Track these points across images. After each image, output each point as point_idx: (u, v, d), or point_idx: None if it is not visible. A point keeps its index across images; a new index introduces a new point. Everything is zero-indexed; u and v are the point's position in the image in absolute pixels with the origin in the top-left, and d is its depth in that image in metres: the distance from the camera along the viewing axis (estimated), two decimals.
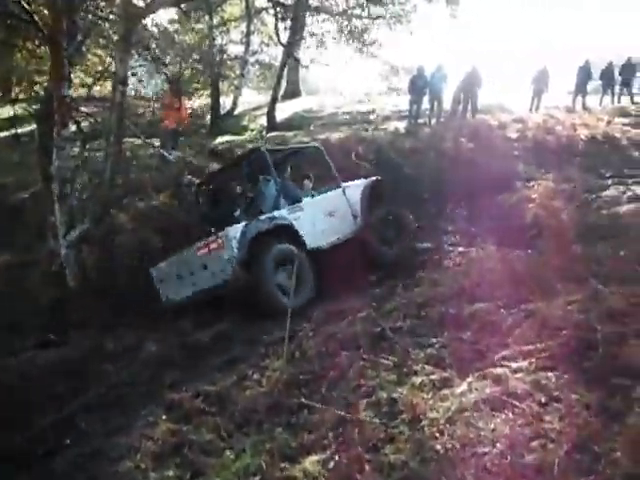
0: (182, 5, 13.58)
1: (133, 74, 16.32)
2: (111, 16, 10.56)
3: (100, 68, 14.17)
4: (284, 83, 20.94)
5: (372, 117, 16.94)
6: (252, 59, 20.97)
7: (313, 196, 7.61)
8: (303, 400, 3.66)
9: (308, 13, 20.12)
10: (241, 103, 20.50)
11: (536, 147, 12.01)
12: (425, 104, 15.21)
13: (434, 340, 4.04)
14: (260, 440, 3.32)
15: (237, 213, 6.96)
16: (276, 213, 6.67)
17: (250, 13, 18.93)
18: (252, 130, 17.29)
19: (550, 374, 3.13)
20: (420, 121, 15.09)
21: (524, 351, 3.46)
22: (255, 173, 7.08)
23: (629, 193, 8.61)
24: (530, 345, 3.54)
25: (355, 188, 7.91)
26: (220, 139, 14.66)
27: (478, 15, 53.97)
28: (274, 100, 17.33)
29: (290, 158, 8.12)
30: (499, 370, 3.27)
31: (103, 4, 10.51)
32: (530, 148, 11.99)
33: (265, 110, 17.71)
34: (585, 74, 16.11)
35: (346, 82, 29.35)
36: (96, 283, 7.51)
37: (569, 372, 3.15)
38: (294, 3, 18.15)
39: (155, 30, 16.28)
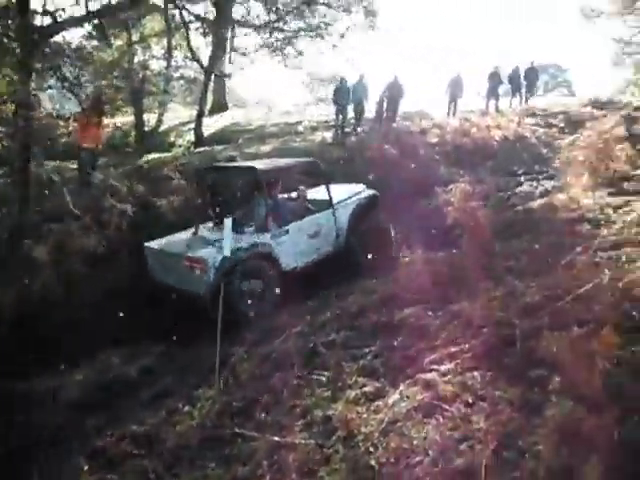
0: (95, 21, 13.07)
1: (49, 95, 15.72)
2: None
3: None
4: (210, 97, 20.70)
5: (300, 128, 17.05)
6: (176, 74, 20.55)
7: (308, 210, 7.72)
8: (236, 430, 3.56)
9: (230, 27, 20.01)
10: (167, 119, 20.09)
11: (455, 150, 12.61)
12: (350, 113, 15.48)
13: (367, 350, 4.07)
14: (192, 479, 3.20)
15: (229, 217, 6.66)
16: (260, 238, 6.86)
17: (170, 28, 18.58)
18: (179, 146, 16.96)
19: (475, 374, 3.25)
20: (346, 130, 15.34)
21: (451, 353, 3.57)
22: (248, 190, 7.34)
23: (540, 188, 9.22)
24: (456, 346, 3.64)
25: (345, 207, 8.00)
26: (146, 157, 14.26)
27: (397, 24, 55.47)
28: (200, 115, 17.08)
29: (285, 173, 8.12)
30: (428, 375, 3.35)
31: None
32: (449, 152, 12.58)
33: (192, 125, 17.42)
34: (496, 79, 17.09)
35: (273, 94, 29.43)
36: (12, 325, 6.86)
37: (492, 370, 3.28)
38: (215, 17, 18.02)
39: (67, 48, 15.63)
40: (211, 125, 18.58)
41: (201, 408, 3.94)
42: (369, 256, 7.48)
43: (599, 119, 11.38)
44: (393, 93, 15.15)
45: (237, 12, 21.38)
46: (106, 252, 7.99)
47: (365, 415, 3.17)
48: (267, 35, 21.53)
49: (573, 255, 4.60)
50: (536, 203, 7.85)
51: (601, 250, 4.86)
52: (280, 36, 21.87)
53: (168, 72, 19.38)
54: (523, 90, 17.75)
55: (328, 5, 22.54)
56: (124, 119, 19.00)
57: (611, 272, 3.87)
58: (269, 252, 6.84)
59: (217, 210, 7.60)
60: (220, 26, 18.25)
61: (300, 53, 23.15)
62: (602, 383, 2.83)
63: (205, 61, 17.91)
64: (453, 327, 4.00)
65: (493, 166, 11.30)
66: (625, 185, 7.44)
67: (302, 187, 8.16)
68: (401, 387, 3.34)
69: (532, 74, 17.90)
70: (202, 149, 15.28)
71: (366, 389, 3.49)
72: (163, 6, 17.89)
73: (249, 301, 6.48)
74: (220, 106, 22.23)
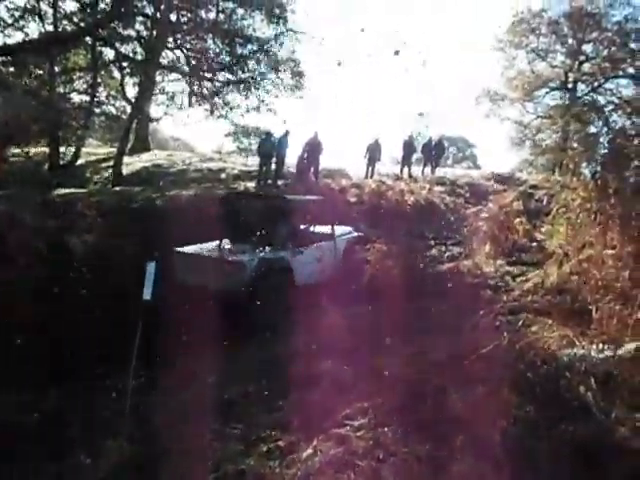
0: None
1: None
2: None
3: None
4: (132, 136, 20.38)
5: (223, 176, 17.13)
6: (98, 110, 20.11)
7: (316, 238, 9.30)
8: None
9: (159, 71, 20.07)
10: (85, 154, 19.43)
11: (371, 210, 13.17)
12: (273, 166, 15.85)
13: (281, 403, 4.10)
14: None
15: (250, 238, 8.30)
16: (282, 253, 8.36)
17: (96, 64, 18.32)
18: (95, 183, 16.42)
19: (387, 429, 3.38)
20: (269, 182, 15.64)
21: (364, 408, 3.69)
22: (275, 215, 8.62)
23: (448, 253, 9.87)
24: (369, 401, 3.77)
25: (342, 241, 9.61)
26: (59, 191, 13.65)
27: (321, 84, 58.40)
28: (121, 153, 16.77)
29: (302, 206, 9.89)
30: (342, 430, 3.44)
31: None
32: (366, 211, 13.12)
33: (111, 163, 16.98)
34: (410, 147, 18.30)
35: (197, 139, 29.45)
36: None
37: (403, 425, 3.42)
38: (143, 60, 18.03)
39: None
40: (131, 164, 18.17)
41: (106, 461, 3.73)
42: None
43: (500, 193, 12.44)
44: (313, 149, 15.76)
45: (166, 57, 21.61)
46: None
47: (278, 469, 3.18)
48: (196, 83, 21.82)
49: (477, 318, 4.95)
50: (444, 267, 8.37)
51: (501, 315, 5.27)
52: (208, 85, 22.25)
53: (90, 107, 18.94)
54: (433, 160, 19.08)
55: (257, 62, 23.45)
56: (36, 150, 18.22)
57: (509, 335, 4.22)
58: (287, 265, 8.23)
59: (240, 229, 8.81)
60: (148, 69, 18.24)
61: (227, 104, 23.67)
62: (501, 440, 3.06)
63: (131, 101, 17.80)
64: (367, 382, 4.13)
65: (407, 228, 11.91)
66: (523, 256, 8.14)
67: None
68: (315, 442, 3.39)
69: (441, 146, 19.42)
70: (120, 188, 14.89)
71: (280, 443, 3.50)
72: (90, 43, 17.75)
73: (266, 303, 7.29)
74: (142, 146, 21.87)
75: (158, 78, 21.28)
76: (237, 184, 15.56)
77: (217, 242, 8.87)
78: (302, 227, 9.73)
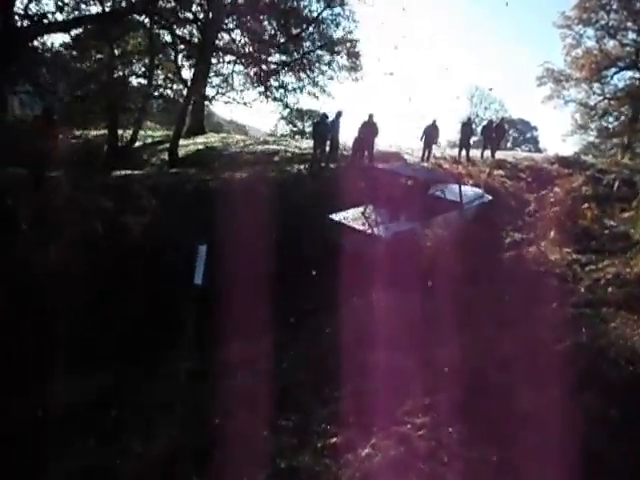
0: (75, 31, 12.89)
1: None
2: None
3: None
4: (188, 119, 20.61)
5: (276, 158, 17.02)
6: (155, 93, 20.42)
7: (445, 209, 10.11)
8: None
9: (214, 53, 20.11)
10: (142, 137, 19.80)
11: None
12: (327, 148, 15.58)
13: (337, 394, 3.90)
14: None
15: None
16: (413, 225, 9.54)
17: (154, 47, 18.54)
18: (152, 165, 16.69)
19: (450, 429, 3.12)
20: (322, 165, 15.40)
21: (425, 405, 3.44)
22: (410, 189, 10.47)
23: (508, 239, 9.33)
24: (430, 397, 3.53)
25: (471, 208, 10.63)
26: (117, 173, 13.94)
27: (377, 65, 57.32)
28: (177, 136, 16.94)
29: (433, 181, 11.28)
30: (403, 428, 3.20)
31: None
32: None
33: (167, 145, 17.21)
34: (468, 129, 17.63)
35: (251, 121, 29.53)
36: None
37: (468, 425, 3.16)
38: (200, 42, 18.09)
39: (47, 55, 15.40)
40: (187, 147, 18.37)
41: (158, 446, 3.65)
42: None
43: (566, 177, 11.71)
44: (368, 132, 15.36)
45: (222, 39, 21.62)
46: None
47: (334, 469, 2.98)
48: (251, 65, 21.76)
49: (547, 309, 4.58)
50: (506, 254, 7.91)
51: (576, 307, 4.87)
52: (264, 67, 22.15)
53: (148, 90, 19.24)
54: (493, 143, 18.28)
55: (312, 42, 23.14)
56: (97, 132, 18.72)
57: (587, 331, 3.86)
58: (417, 234, 9.07)
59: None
60: (204, 51, 18.28)
61: (282, 86, 23.54)
62: (579, 444, 2.77)
63: (187, 83, 17.94)
64: (426, 375, 3.88)
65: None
66: (592, 244, 7.59)
67: (443, 192, 10.63)
68: (373, 439, 3.18)
69: (501, 129, 18.59)
70: (175, 170, 15.06)
71: (335, 439, 3.30)
72: (148, 25, 17.96)
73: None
74: (197, 129, 22.10)
75: (213, 60, 21.32)
76: (290, 166, 15.38)
77: (362, 209, 10.20)
78: (436, 196, 10.54)
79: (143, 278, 7.49)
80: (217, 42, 20.66)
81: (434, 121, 16.78)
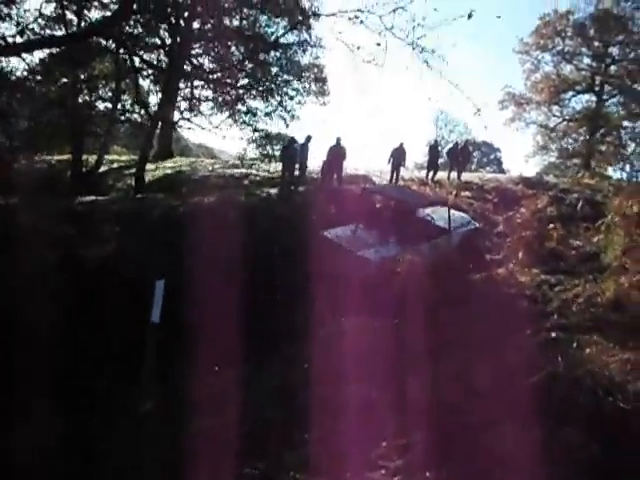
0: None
1: None
2: None
3: None
4: (155, 143, 20.42)
5: (246, 182, 16.97)
6: (122, 117, 20.20)
7: (434, 234, 10.28)
8: None
9: (182, 78, 20.08)
10: (108, 161, 19.50)
11: None
12: (296, 172, 15.63)
13: (307, 436, 3.73)
14: None
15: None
16: (402, 249, 9.54)
17: (120, 72, 18.39)
18: (118, 190, 16.42)
19: (428, 474, 3.01)
20: (291, 188, 15.41)
21: (400, 446, 3.32)
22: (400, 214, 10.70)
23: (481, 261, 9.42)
24: (405, 437, 3.42)
25: (457, 234, 10.67)
26: (81, 199, 13.61)
27: (344, 91, 58.23)
28: (143, 160, 16.72)
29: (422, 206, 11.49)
30: (377, 475, 3.07)
31: None
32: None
33: (133, 170, 16.98)
34: (435, 152, 17.97)
35: (220, 146, 29.44)
36: None
37: (445, 468, 3.06)
38: (167, 67, 18.04)
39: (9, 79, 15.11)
40: (154, 171, 18.17)
41: None
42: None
43: (532, 198, 11.98)
44: (337, 155, 15.49)
45: (190, 64, 21.62)
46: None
47: None
48: (219, 90, 21.79)
49: (521, 335, 4.58)
50: (477, 275, 7.97)
51: (549, 331, 4.87)
52: (232, 92, 22.20)
53: (114, 114, 19.03)
54: (459, 165, 18.63)
55: (280, 68, 23.36)
56: (61, 157, 18.36)
57: (563, 360, 3.83)
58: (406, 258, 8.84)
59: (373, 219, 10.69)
60: (171, 76, 18.24)
61: (250, 110, 23.60)
62: None
63: (154, 108, 17.81)
64: (400, 411, 3.77)
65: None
66: (561, 264, 7.71)
67: (432, 216, 10.82)
68: None
69: (467, 151, 18.99)
70: (142, 195, 14.83)
71: None
72: (114, 50, 17.84)
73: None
74: (165, 153, 21.90)
75: (181, 85, 21.28)
76: (260, 190, 15.35)
77: (353, 227, 10.37)
78: (425, 221, 10.80)
79: (101, 313, 7.24)
80: (185, 67, 20.68)
81: (401, 144, 17.03)
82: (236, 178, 17.78)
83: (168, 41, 20.13)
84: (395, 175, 16.86)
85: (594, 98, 28.89)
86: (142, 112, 21.61)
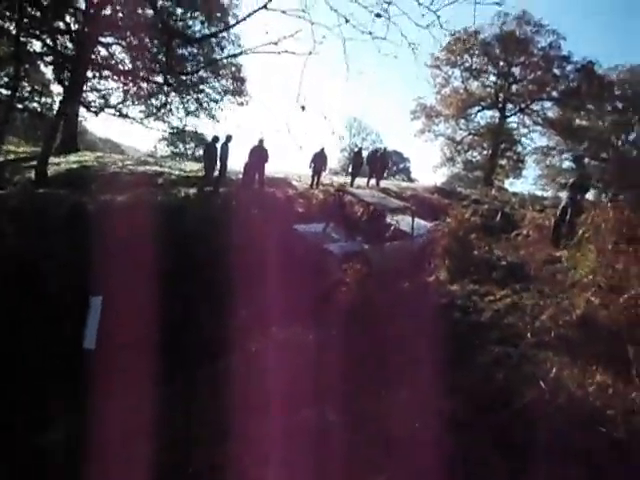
0: None
1: None
2: None
3: None
4: (59, 135, 18.84)
5: (160, 181, 16.09)
6: (20, 106, 18.45)
7: (397, 236, 11.10)
8: None
9: (91, 67, 18.75)
10: (4, 152, 17.70)
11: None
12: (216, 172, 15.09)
13: None
14: None
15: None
16: (365, 246, 10.22)
17: (20, 56, 16.74)
18: (16, 184, 14.92)
19: None
20: (208, 189, 14.84)
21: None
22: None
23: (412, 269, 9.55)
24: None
25: (419, 238, 11.09)
26: None
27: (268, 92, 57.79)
28: (46, 153, 15.32)
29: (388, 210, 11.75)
30: None
31: None
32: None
33: (34, 163, 15.52)
34: (359, 158, 18.27)
35: (129, 141, 27.95)
36: None
37: None
38: (75, 55, 16.73)
39: None
40: (57, 165, 16.73)
41: None
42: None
43: (454, 207, 12.37)
44: (258, 157, 15.16)
45: (99, 53, 20.27)
46: None
47: None
48: (131, 83, 20.62)
49: (469, 351, 4.50)
50: (406, 284, 7.97)
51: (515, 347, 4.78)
52: (145, 85, 21.11)
53: (12, 102, 17.30)
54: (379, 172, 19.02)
55: (197, 64, 22.60)
56: None
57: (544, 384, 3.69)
58: (368, 255, 9.54)
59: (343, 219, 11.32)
60: (78, 64, 16.91)
61: (164, 106, 22.61)
62: None
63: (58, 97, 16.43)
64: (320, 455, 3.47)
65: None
66: (492, 274, 7.90)
67: (396, 219, 11.39)
68: None
69: (385, 158, 19.46)
70: (44, 190, 13.57)
71: None
72: (15, 31, 16.25)
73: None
74: (70, 146, 20.28)
75: (89, 74, 19.87)
76: (177, 190, 14.59)
77: (324, 224, 10.83)
78: (391, 225, 11.32)
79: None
80: (93, 56, 19.33)
81: (322, 149, 17.05)
82: (149, 176, 16.79)
83: (75, 27, 18.78)
84: (317, 179, 16.82)
85: (497, 114, 30.79)
86: (43, 101, 20.02)
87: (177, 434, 4.75)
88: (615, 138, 30.81)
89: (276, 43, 8.32)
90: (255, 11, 8.54)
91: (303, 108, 6.62)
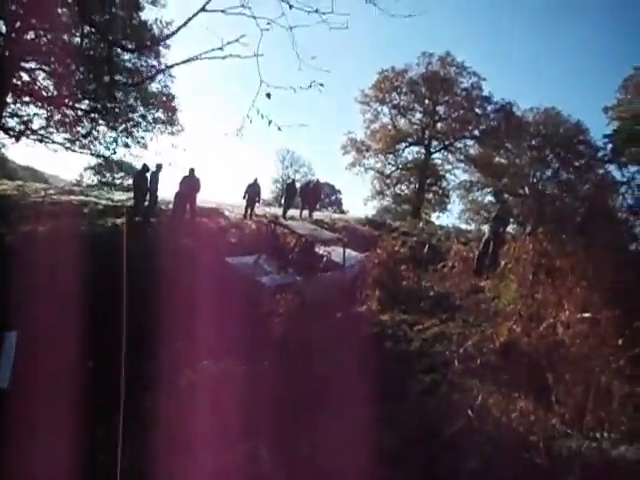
0: None
1: None
2: None
3: None
4: None
5: (85, 210, 15.45)
6: None
7: (329, 267, 11.26)
8: None
9: (11, 92, 17.97)
10: None
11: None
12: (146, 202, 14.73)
13: None
14: None
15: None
16: (297, 279, 10.24)
17: None
18: None
19: None
20: (137, 219, 14.45)
21: None
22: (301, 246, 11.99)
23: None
24: None
25: (350, 269, 11.21)
26: None
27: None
28: None
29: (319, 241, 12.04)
30: None
31: None
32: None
33: None
34: (292, 189, 18.48)
35: (52, 170, 26.77)
36: None
37: None
38: None
39: None
40: None
41: None
42: None
43: (384, 239, 12.72)
44: (190, 187, 14.97)
45: (20, 78, 19.47)
46: None
47: None
48: (54, 109, 19.90)
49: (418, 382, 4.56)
50: (342, 314, 8.04)
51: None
52: (69, 112, 20.43)
53: None
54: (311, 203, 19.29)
55: (125, 93, 22.19)
56: None
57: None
58: (300, 287, 9.41)
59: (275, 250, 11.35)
60: None
61: (89, 134, 21.90)
62: None
63: None
64: None
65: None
66: (419, 304, 8.15)
67: (328, 250, 11.65)
68: None
69: (318, 190, 19.76)
70: None
71: None
72: None
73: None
74: None
75: (9, 100, 19.01)
76: (104, 220, 14.06)
77: (255, 256, 10.91)
78: (323, 257, 11.49)
79: None
80: (14, 81, 18.57)
81: (255, 179, 17.13)
82: (74, 205, 16.06)
83: None
84: (250, 210, 16.80)
85: (423, 150, 32.22)
86: None
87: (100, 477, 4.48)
88: (532, 175, 32.93)
89: (221, 48, 8.17)
90: (195, 15, 8.41)
91: (268, 96, 6.59)
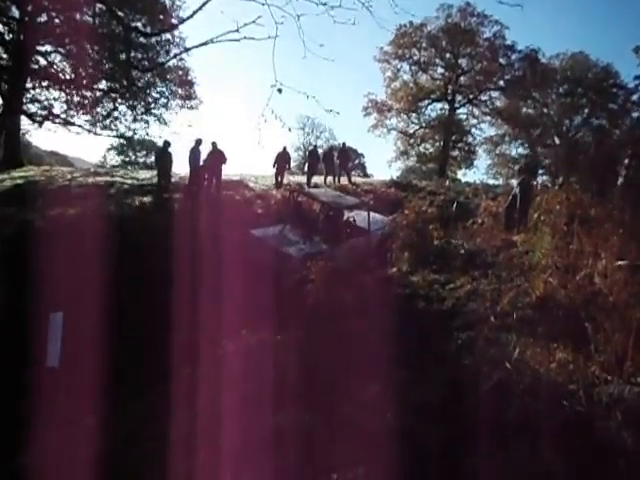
0: None
1: None
2: None
3: None
4: (0, 150, 18.07)
5: (112, 191, 15.62)
6: None
7: (354, 232, 11.30)
8: None
9: (30, 77, 18.06)
10: None
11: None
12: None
13: None
14: None
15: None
16: (324, 247, 10.38)
17: None
18: None
19: None
20: (165, 195, 14.54)
21: None
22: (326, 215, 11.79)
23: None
24: None
25: (375, 235, 11.35)
26: None
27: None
28: None
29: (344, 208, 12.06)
30: None
31: None
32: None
33: None
34: (314, 156, 18.28)
35: (76, 153, 27.09)
36: None
37: None
38: (11, 66, 16.06)
39: None
40: (1, 182, 16.01)
41: None
42: None
43: (411, 200, 12.51)
44: (215, 161, 14.93)
45: (38, 63, 19.52)
46: None
47: None
48: (73, 92, 19.95)
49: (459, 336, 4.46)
50: (374, 277, 7.95)
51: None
52: (88, 94, 20.47)
53: None
54: (337, 169, 19.05)
55: (142, 70, 22.06)
56: None
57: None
58: (328, 254, 9.33)
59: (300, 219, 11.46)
60: (15, 75, 16.23)
61: (110, 114, 21.96)
62: None
63: None
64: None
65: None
66: (450, 263, 7.98)
67: (353, 217, 11.61)
68: None
69: (346, 154, 19.32)
70: None
71: None
72: None
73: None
74: (13, 161, 19.43)
75: (28, 85, 19.11)
76: (131, 199, 14.19)
77: (280, 227, 11.00)
78: (349, 223, 11.53)
79: None
80: (32, 66, 18.62)
81: (284, 148, 16.99)
82: (100, 187, 16.24)
83: (9, 37, 18.06)
84: (280, 179, 16.71)
85: (447, 106, 31.31)
86: None
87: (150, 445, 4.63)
88: (563, 124, 31.76)
89: (238, 30, 8.13)
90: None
91: (280, 91, 6.52)
